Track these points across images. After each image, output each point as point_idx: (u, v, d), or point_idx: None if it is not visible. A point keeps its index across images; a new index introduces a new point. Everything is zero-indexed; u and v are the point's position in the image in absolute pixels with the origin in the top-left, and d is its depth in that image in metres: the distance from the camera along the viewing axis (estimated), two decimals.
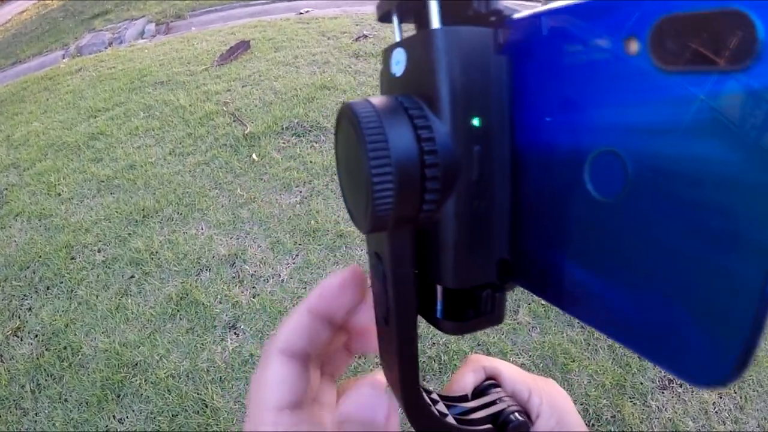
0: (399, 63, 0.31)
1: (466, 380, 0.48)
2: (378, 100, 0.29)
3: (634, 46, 0.22)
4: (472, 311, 0.33)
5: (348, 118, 0.28)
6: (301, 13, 8.28)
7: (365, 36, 6.42)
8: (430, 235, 0.31)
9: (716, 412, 2.65)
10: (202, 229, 3.38)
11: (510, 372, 0.49)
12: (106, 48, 8.42)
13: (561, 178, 0.27)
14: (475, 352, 2.68)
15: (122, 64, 6.75)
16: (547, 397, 0.47)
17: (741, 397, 2.74)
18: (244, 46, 6.27)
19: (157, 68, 6.16)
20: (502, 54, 0.28)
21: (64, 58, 8.50)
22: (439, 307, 0.34)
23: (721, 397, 2.71)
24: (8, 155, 4.92)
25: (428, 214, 0.28)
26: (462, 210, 0.29)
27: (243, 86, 5.22)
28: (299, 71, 5.42)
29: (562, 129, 0.26)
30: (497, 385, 0.48)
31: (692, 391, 2.71)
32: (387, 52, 0.34)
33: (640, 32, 0.21)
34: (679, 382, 2.72)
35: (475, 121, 0.27)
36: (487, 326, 0.35)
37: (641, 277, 0.24)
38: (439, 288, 0.33)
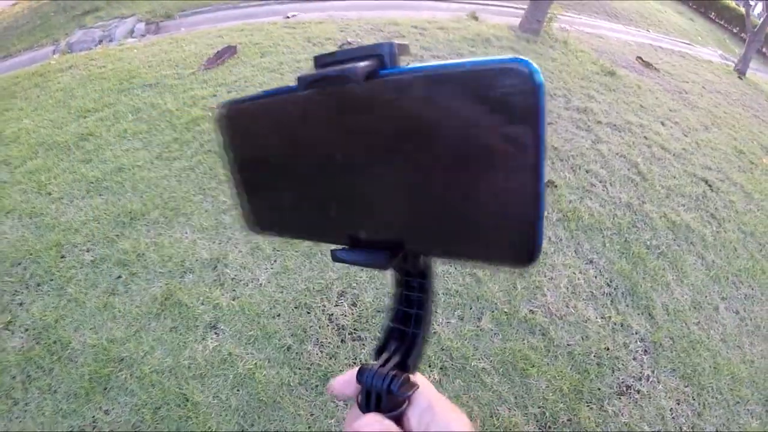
0: None
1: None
2: None
3: None
4: None
5: None
6: (287, 17, 8.46)
7: (349, 43, 6.61)
8: None
9: (673, 417, 2.85)
10: (186, 233, 3.52)
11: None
12: (96, 45, 8.50)
13: None
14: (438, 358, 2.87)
15: (112, 63, 6.82)
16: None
17: (699, 404, 2.95)
18: (230, 51, 6.38)
19: (146, 70, 6.24)
20: None
21: (54, 54, 8.55)
22: None
23: (678, 404, 2.92)
24: None
25: None
26: None
27: (228, 92, 5.34)
28: (283, 78, 5.56)
29: None
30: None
31: (649, 397, 2.90)
32: None
33: None
34: (636, 389, 2.92)
35: None
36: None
37: None
38: None
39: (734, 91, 8.94)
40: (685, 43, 13.32)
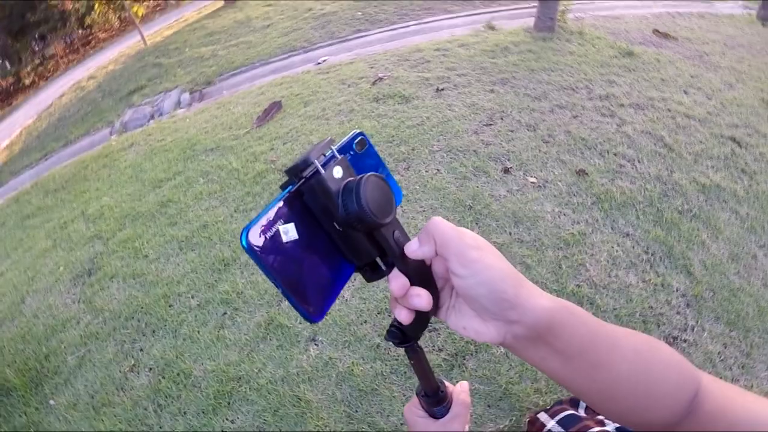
0: None
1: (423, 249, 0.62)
2: None
3: None
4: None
5: None
6: (319, 63, 8.89)
7: (381, 79, 7.00)
8: None
9: (722, 360, 3.07)
10: None
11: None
12: (148, 121, 9.14)
13: None
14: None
15: (170, 135, 7.43)
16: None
17: (747, 345, 3.15)
18: (276, 106, 6.89)
19: (203, 136, 6.80)
20: None
21: (112, 135, 9.22)
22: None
23: (725, 347, 3.14)
24: (88, 228, 5.63)
25: None
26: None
27: (284, 144, 5.84)
28: (329, 123, 5.99)
29: None
30: None
31: (696, 345, 3.14)
32: None
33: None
34: (683, 338, 3.17)
35: None
36: None
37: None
38: None
39: (758, 40, 8.80)
40: (703, 2, 13.00)
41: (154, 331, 3.83)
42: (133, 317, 4.02)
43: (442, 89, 6.44)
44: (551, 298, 0.60)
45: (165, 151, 6.81)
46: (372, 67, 7.68)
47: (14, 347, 4.15)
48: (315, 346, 3.35)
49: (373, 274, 0.66)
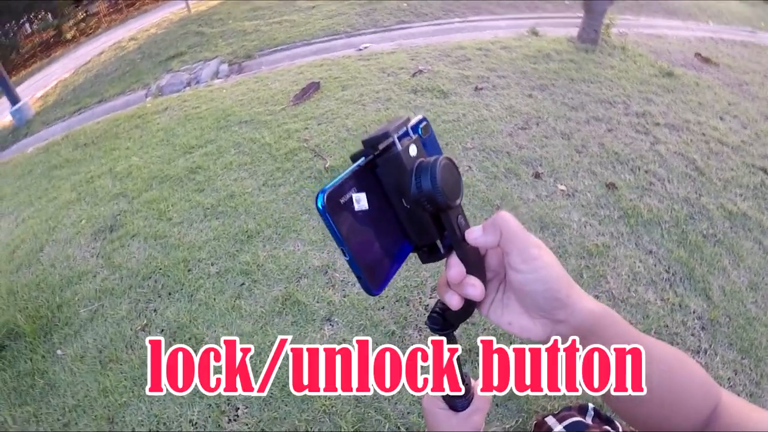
0: None
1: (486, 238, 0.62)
2: None
3: None
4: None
5: None
6: (360, 49, 8.93)
7: (421, 71, 7.01)
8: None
9: (731, 386, 3.05)
10: (298, 246, 4.06)
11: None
12: (185, 87, 9.23)
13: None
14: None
15: (205, 103, 7.47)
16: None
17: (757, 374, 3.14)
18: (314, 86, 6.92)
19: (238, 108, 6.85)
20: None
21: (147, 97, 9.34)
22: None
23: (736, 374, 3.13)
24: (114, 185, 5.70)
25: None
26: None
27: (318, 124, 5.86)
28: (366, 109, 5.99)
29: None
30: None
31: (708, 368, 3.11)
32: None
33: None
34: (696, 360, 3.13)
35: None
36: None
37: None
38: None
39: None
40: (747, 31, 12.90)
41: (170, 294, 3.86)
42: (150, 277, 4.06)
43: (481, 88, 6.44)
44: (597, 303, 0.62)
45: (199, 119, 6.86)
46: (413, 59, 7.69)
47: (28, 293, 4.20)
48: (330, 327, 3.36)
49: (431, 256, 0.66)
